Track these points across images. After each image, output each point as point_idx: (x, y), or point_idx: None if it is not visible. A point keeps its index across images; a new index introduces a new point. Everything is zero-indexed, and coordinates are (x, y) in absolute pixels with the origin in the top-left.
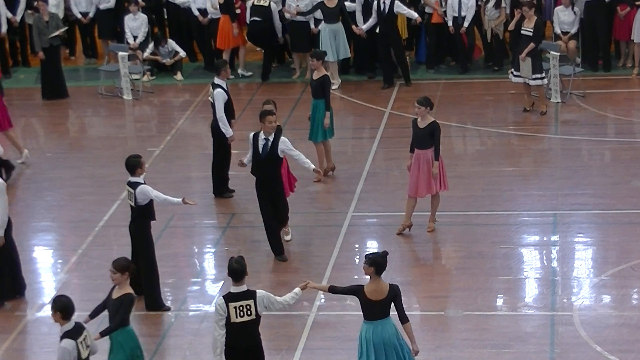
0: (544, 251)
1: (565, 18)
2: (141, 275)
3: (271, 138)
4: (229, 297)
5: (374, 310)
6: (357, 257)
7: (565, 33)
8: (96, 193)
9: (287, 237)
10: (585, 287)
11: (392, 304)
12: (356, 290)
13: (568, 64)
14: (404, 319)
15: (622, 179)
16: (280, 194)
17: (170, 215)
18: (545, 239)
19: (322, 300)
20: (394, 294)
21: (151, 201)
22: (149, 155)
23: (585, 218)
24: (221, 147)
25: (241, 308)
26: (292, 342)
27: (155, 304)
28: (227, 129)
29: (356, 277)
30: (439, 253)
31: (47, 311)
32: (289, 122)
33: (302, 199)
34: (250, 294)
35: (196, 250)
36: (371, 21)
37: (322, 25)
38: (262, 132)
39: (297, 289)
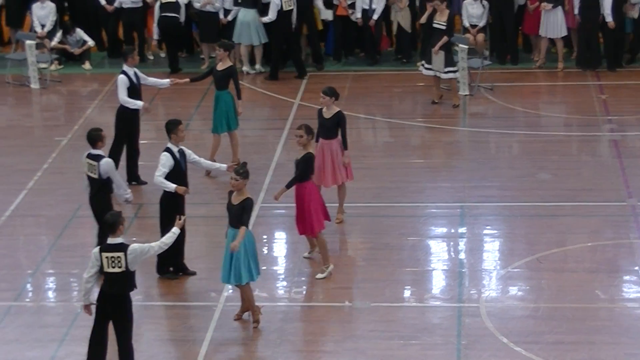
0: (452, 243)
1: (474, 11)
2: None
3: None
4: (103, 248)
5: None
6: (266, 247)
7: (473, 26)
8: (2, 182)
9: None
10: (492, 279)
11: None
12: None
13: (476, 57)
14: None
15: (529, 171)
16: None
17: (77, 205)
18: (452, 230)
19: (230, 291)
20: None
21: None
22: (57, 144)
23: (492, 210)
24: (125, 134)
25: (112, 259)
26: (199, 334)
27: None
28: (134, 102)
29: (264, 267)
30: (346, 244)
31: None
32: (198, 113)
33: (209, 190)
34: (122, 247)
35: None
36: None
37: (241, 11)
38: (172, 144)
39: (174, 228)
